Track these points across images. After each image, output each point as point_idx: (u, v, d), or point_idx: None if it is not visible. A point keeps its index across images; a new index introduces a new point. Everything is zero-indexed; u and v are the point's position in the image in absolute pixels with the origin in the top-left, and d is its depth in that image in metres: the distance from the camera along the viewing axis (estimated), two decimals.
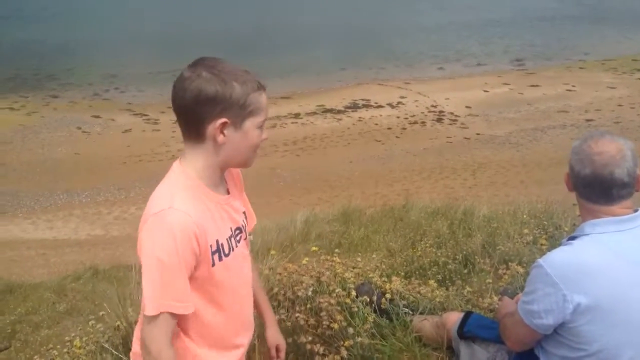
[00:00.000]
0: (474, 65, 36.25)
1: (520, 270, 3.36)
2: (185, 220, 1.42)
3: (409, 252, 6.15)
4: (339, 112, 28.47)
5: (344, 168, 21.71)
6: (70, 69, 36.78)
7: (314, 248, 2.97)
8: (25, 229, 17.48)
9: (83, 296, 7.40)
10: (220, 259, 1.53)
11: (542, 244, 3.96)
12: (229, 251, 1.58)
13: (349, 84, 33.10)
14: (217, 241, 1.53)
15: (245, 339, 1.74)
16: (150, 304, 1.40)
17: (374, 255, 4.72)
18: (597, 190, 1.84)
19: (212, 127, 1.49)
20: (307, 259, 2.80)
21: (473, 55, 38.19)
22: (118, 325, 2.91)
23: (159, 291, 1.40)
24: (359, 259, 3.65)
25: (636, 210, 1.88)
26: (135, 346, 1.64)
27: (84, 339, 2.98)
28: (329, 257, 2.95)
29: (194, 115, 1.48)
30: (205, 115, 1.48)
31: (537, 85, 30.82)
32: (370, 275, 3.08)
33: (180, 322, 1.50)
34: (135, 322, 2.88)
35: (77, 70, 36.46)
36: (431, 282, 3.18)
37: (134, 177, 20.32)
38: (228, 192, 1.67)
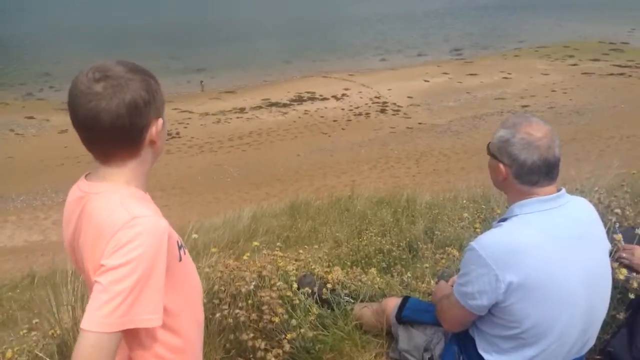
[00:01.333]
0: (414, 56, 37.00)
1: (457, 254, 3.46)
2: (156, 223, 1.32)
3: (355, 241, 6.24)
4: (285, 105, 28.40)
5: (291, 161, 21.69)
6: (1, 68, 34.96)
7: (255, 243, 2.95)
8: None
9: (20, 305, 7.07)
10: (184, 252, 1.46)
11: (475, 228, 4.10)
12: (182, 245, 1.48)
13: (293, 77, 33.07)
14: (178, 237, 1.45)
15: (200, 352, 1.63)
16: (109, 319, 1.23)
17: (316, 246, 4.73)
18: (543, 173, 1.90)
19: (152, 132, 1.40)
20: (248, 254, 2.78)
21: (413, 46, 38.96)
22: (52, 333, 2.81)
23: (127, 306, 1.24)
24: (301, 251, 3.66)
25: (559, 190, 1.96)
26: None
27: (15, 349, 2.85)
28: (270, 252, 2.95)
29: (135, 128, 1.36)
30: (144, 122, 1.38)
31: (475, 74, 31.79)
32: (312, 267, 3.09)
33: (134, 341, 1.37)
34: (68, 329, 2.79)
35: (8, 70, 34.73)
36: (372, 270, 3.23)
37: (72, 179, 18.97)
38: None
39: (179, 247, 1.42)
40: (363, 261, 5.36)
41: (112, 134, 1.34)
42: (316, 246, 5.52)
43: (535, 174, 1.91)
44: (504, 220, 1.99)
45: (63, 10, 49.66)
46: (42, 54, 37.28)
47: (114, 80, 1.33)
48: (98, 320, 1.23)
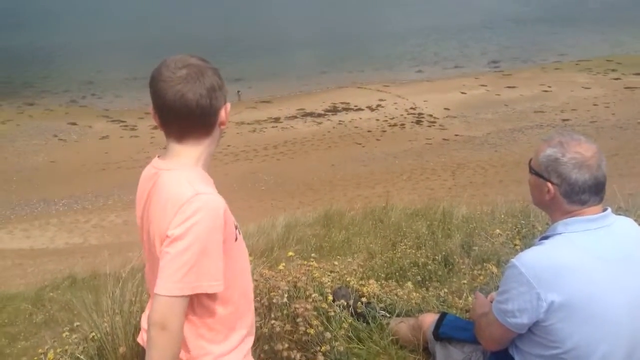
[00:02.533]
0: (451, 68, 36.66)
1: (495, 270, 3.39)
2: (216, 200, 1.48)
3: (389, 253, 6.17)
4: (319, 115, 28.51)
5: (325, 171, 21.73)
6: (46, 75, 36.27)
7: (290, 253, 2.96)
8: (1, 239, 17.15)
9: (61, 306, 7.26)
10: (239, 232, 1.64)
11: (515, 244, 4.00)
12: (239, 229, 1.67)
13: (328, 87, 33.19)
14: (235, 222, 1.62)
15: (251, 324, 1.77)
16: (180, 284, 1.41)
17: (349, 259, 4.71)
18: (593, 192, 1.87)
19: (222, 114, 1.60)
20: (283, 264, 2.78)
21: (450, 58, 38.61)
22: (93, 336, 2.87)
23: (194, 274, 1.42)
24: (336, 263, 3.65)
25: (605, 209, 1.91)
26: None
27: (58, 350, 2.93)
28: (305, 262, 2.95)
29: (212, 109, 1.55)
30: (219, 103, 1.57)
31: (513, 87, 31.26)
32: (347, 279, 3.08)
33: (197, 305, 1.53)
34: (107, 333, 2.84)
35: (53, 77, 35.98)
36: (408, 283, 3.19)
37: (112, 184, 20.09)
38: None
39: (236, 228, 1.60)
40: (397, 274, 5.29)
41: (195, 112, 1.52)
42: (350, 258, 5.49)
43: (586, 194, 1.87)
44: (547, 238, 1.95)
45: (104, 22, 51.32)
46: (85, 63, 38.50)
47: (194, 67, 1.53)
48: (170, 286, 1.41)
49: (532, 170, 1.99)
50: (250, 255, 3.96)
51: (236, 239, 1.59)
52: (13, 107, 30.49)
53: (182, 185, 1.49)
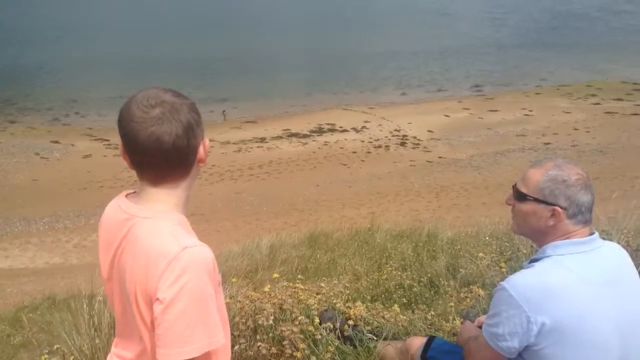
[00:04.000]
0: (435, 91, 37.16)
1: (482, 292, 3.39)
2: (203, 252, 1.39)
3: (375, 275, 6.16)
4: (305, 136, 28.62)
5: (310, 192, 21.74)
6: (29, 93, 35.95)
7: (275, 275, 2.93)
8: None
9: (40, 328, 7.09)
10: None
11: (501, 267, 4.02)
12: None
13: (314, 108, 33.39)
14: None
15: None
16: (193, 345, 1.34)
17: (335, 281, 4.68)
18: (590, 212, 1.89)
19: (201, 151, 1.49)
20: (269, 286, 2.76)
21: (434, 82, 39.16)
22: (73, 359, 2.80)
23: (204, 333, 1.36)
24: (322, 285, 3.62)
25: (592, 233, 1.93)
26: None
27: None
28: (291, 284, 2.92)
29: (188, 148, 1.44)
30: (197, 141, 1.47)
31: (496, 110, 31.74)
32: (333, 301, 3.06)
33: None
34: (87, 355, 2.77)
35: (35, 95, 35.67)
36: (395, 306, 3.18)
37: (94, 204, 19.81)
38: None
39: (219, 272, 1.51)
40: (383, 296, 5.28)
41: (172, 154, 1.41)
42: (335, 280, 5.46)
43: (589, 213, 1.89)
44: (536, 260, 1.95)
45: (88, 40, 51.19)
46: (69, 81, 38.27)
47: (168, 105, 1.41)
48: (179, 351, 1.34)
49: (529, 198, 1.93)
50: (234, 277, 3.92)
51: (219, 283, 1.53)
52: None
53: (164, 238, 1.39)
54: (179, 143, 1.40)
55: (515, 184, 2.02)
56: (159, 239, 1.39)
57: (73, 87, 36.51)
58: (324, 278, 6.04)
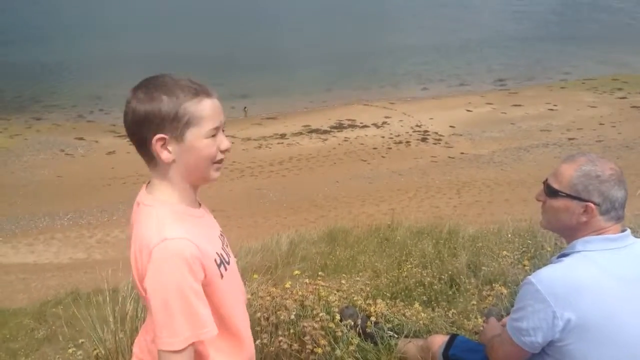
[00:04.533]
0: (457, 86, 36.77)
1: (504, 291, 3.34)
2: (185, 245, 1.39)
3: (395, 272, 6.12)
4: (325, 132, 28.61)
5: (330, 188, 21.73)
6: (54, 91, 36.59)
7: (296, 272, 2.93)
8: (5, 253, 17.15)
9: (63, 322, 7.23)
10: (225, 269, 1.53)
11: (524, 265, 3.95)
12: (228, 258, 1.58)
13: (334, 104, 33.32)
14: (217, 254, 1.52)
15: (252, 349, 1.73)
16: (177, 338, 1.37)
17: (357, 278, 4.66)
18: (622, 209, 1.85)
19: (153, 146, 1.44)
20: (290, 282, 2.76)
21: (456, 76, 38.74)
22: (97, 354, 2.83)
23: (185, 324, 1.37)
24: (343, 282, 3.61)
25: (624, 230, 1.88)
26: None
27: None
28: (312, 281, 2.92)
29: (138, 137, 1.44)
30: (146, 135, 1.43)
31: (519, 105, 31.30)
32: (354, 298, 3.04)
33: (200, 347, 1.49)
34: (110, 350, 2.80)
35: (60, 92, 36.28)
36: (416, 304, 3.15)
37: (118, 199, 20.12)
38: (199, 204, 1.64)
39: (219, 265, 1.49)
40: (403, 293, 5.25)
41: (128, 136, 1.46)
42: (357, 278, 5.44)
43: (622, 209, 1.85)
44: (565, 255, 1.91)
45: (112, 37, 51.82)
46: (93, 78, 38.82)
47: (136, 91, 1.45)
48: (168, 341, 1.37)
49: (562, 194, 1.90)
50: (254, 273, 3.93)
51: (222, 277, 1.50)
52: (21, 122, 30.76)
53: (151, 227, 1.42)
54: (130, 130, 1.44)
55: (547, 180, 1.98)
56: (146, 228, 1.42)
57: (97, 84, 37.03)
58: (343, 275, 6.04)
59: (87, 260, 16.07)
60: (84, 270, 13.99)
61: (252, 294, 2.70)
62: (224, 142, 1.51)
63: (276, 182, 22.70)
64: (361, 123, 29.45)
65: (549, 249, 4.26)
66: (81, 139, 27.83)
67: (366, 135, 27.75)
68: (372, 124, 29.20)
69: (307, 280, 2.85)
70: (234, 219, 19.24)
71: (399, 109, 31.44)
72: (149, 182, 1.56)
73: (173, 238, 1.38)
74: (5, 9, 64.85)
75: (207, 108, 1.47)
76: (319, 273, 3.39)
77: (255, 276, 3.05)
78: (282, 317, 2.53)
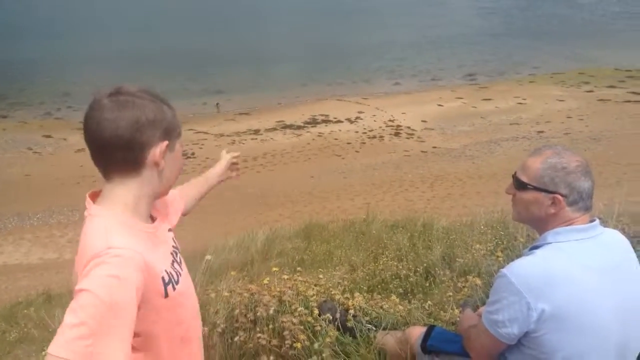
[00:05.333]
0: (428, 81, 37.16)
1: (479, 282, 3.40)
2: (129, 256, 1.28)
3: (371, 266, 6.18)
4: (299, 127, 28.57)
5: (305, 183, 21.72)
6: (21, 88, 35.66)
7: (274, 268, 2.92)
8: None
9: (35, 323, 7.08)
10: (174, 288, 1.43)
11: (498, 256, 4.02)
12: (178, 277, 1.48)
13: (308, 99, 33.31)
14: (167, 271, 1.43)
15: None
16: (73, 346, 1.13)
17: (334, 272, 4.69)
18: (590, 199, 1.89)
19: (155, 153, 1.40)
20: (268, 278, 2.76)
21: (427, 71, 39.13)
22: None
23: (91, 337, 1.15)
24: (320, 276, 3.62)
25: (593, 220, 1.93)
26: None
27: None
28: (290, 276, 2.92)
29: (134, 143, 1.37)
30: (147, 140, 1.39)
31: (489, 99, 31.79)
32: (332, 292, 3.06)
33: None
34: None
35: (28, 90, 35.38)
36: (393, 296, 3.18)
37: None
38: (152, 218, 1.56)
39: (166, 283, 1.40)
40: (380, 286, 5.31)
41: (112, 145, 1.36)
42: (334, 272, 5.48)
43: (590, 200, 1.89)
44: (537, 247, 1.94)
45: (82, 34, 50.69)
46: (61, 75, 37.98)
47: (123, 96, 1.39)
48: (62, 344, 1.14)
49: (530, 186, 1.93)
50: (231, 269, 3.92)
51: (166, 295, 1.40)
52: None
53: (97, 237, 1.32)
54: (119, 133, 1.35)
55: (515, 173, 2.01)
56: (91, 237, 1.34)
57: (64, 82, 36.24)
58: (320, 270, 6.06)
59: (58, 260, 15.75)
60: (56, 270, 13.72)
61: (230, 291, 2.69)
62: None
63: (250, 178, 22.57)
64: (335, 118, 29.50)
65: (521, 240, 4.35)
66: (49, 136, 27.20)
67: (340, 131, 27.81)
68: (346, 119, 29.28)
69: (285, 276, 2.85)
70: (208, 214, 19.07)
71: (372, 104, 31.59)
72: (93, 192, 1.50)
73: (119, 247, 1.28)
74: None
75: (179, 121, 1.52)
76: (297, 268, 3.40)
77: (233, 273, 3.03)
78: (260, 313, 2.53)
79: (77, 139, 26.54)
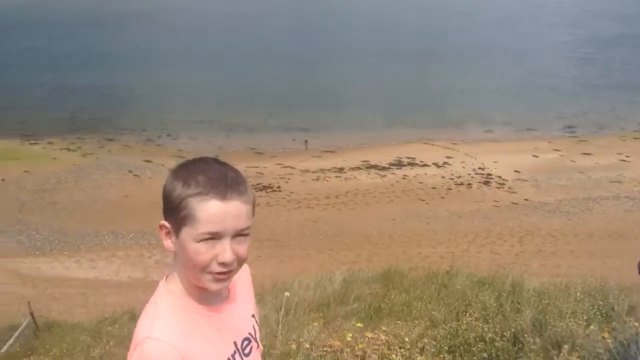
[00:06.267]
0: (523, 130, 35.75)
1: (574, 358, 3.07)
2: (167, 354, 1.22)
3: (453, 324, 5.85)
4: (384, 168, 28.44)
5: (385, 225, 21.43)
6: (127, 114, 38.48)
7: (359, 324, 2.80)
8: (68, 267, 17.88)
9: (118, 341, 7.34)
10: None
11: (604, 337, 3.64)
12: None
13: (394, 141, 33.17)
14: None
15: None
16: None
17: (414, 325, 4.47)
18: None
19: (162, 233, 1.31)
20: (350, 334, 2.64)
21: (523, 120, 37.69)
22: None
23: None
24: (407, 339, 3.44)
25: None
26: None
27: None
28: (373, 335, 2.78)
29: (163, 208, 1.32)
30: (163, 214, 1.31)
31: (589, 154, 30.02)
32: (418, 358, 2.88)
33: None
34: None
35: (132, 116, 38.11)
36: None
37: None
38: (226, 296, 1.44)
39: None
40: (462, 347, 5.00)
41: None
42: (412, 325, 5.24)
43: None
44: None
45: (178, 65, 54.26)
46: (164, 105, 40.58)
47: (186, 168, 1.33)
48: None
49: None
50: (313, 320, 3.83)
51: None
52: (94, 142, 32.45)
53: (146, 318, 1.27)
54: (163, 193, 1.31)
55: None
56: (142, 318, 1.28)
57: (166, 111, 38.68)
58: (398, 322, 5.83)
59: (144, 280, 16.47)
60: (142, 290, 14.32)
61: (311, 345, 2.60)
62: (224, 253, 1.25)
63: (331, 216, 22.65)
64: (421, 162, 29.09)
65: (616, 308, 3.94)
66: (149, 161, 28.94)
67: (426, 174, 27.34)
68: (433, 163, 28.77)
69: (369, 334, 2.72)
70: (287, 249, 19.29)
71: (462, 149, 30.87)
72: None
73: (156, 339, 1.22)
74: (72, 34, 69.31)
75: (209, 210, 1.24)
76: (383, 329, 3.25)
77: (315, 324, 2.94)
78: None
79: (174, 166, 28.07)
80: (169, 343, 1.23)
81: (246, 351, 1.41)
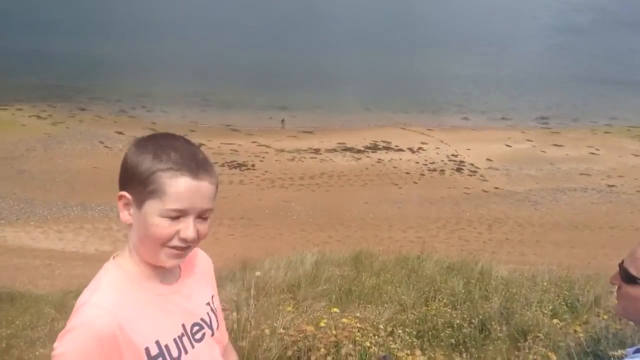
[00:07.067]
0: (498, 119, 36.23)
1: (554, 358, 3.11)
2: (102, 317, 1.18)
3: (422, 309, 5.92)
4: (359, 151, 28.50)
5: (358, 208, 21.55)
6: (101, 84, 37.54)
7: (334, 309, 2.78)
8: (35, 238, 17.50)
9: None
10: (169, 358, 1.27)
11: (576, 330, 3.70)
12: (179, 354, 1.29)
13: (371, 124, 33.22)
14: (158, 342, 1.26)
15: None
16: None
17: (383, 309, 4.50)
18: None
19: (120, 203, 1.28)
20: (324, 320, 2.62)
21: (498, 109, 38.18)
22: None
23: None
24: (381, 327, 3.45)
25: None
26: None
27: None
28: (349, 319, 2.77)
29: (119, 183, 1.29)
30: (120, 185, 1.28)
31: (560, 145, 30.62)
32: (392, 347, 2.89)
33: None
34: None
35: (106, 86, 37.20)
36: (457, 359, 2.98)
37: None
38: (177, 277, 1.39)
39: (155, 357, 1.24)
40: (430, 333, 5.06)
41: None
42: (380, 308, 5.28)
43: None
44: None
45: (160, 37, 53.08)
46: (139, 76, 39.70)
47: (155, 142, 1.33)
48: None
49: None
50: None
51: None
52: (65, 110, 31.61)
53: (85, 291, 1.24)
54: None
55: (622, 263, 1.72)
56: (83, 292, 1.25)
57: (142, 82, 37.85)
58: (367, 305, 5.87)
59: (112, 253, 16.18)
60: None
61: (284, 329, 2.57)
62: (187, 230, 1.23)
63: (305, 196, 22.64)
64: (396, 146, 29.24)
65: (581, 299, 4.04)
66: (121, 133, 28.37)
67: (400, 159, 27.52)
68: (408, 149, 28.96)
69: (344, 320, 2.71)
70: (260, 228, 19.24)
71: (437, 136, 31.12)
72: None
73: (94, 303, 1.19)
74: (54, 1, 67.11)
75: (178, 186, 1.22)
76: (357, 315, 3.25)
77: (289, 308, 2.92)
78: None
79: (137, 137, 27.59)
80: (106, 308, 1.19)
81: (197, 337, 1.36)
